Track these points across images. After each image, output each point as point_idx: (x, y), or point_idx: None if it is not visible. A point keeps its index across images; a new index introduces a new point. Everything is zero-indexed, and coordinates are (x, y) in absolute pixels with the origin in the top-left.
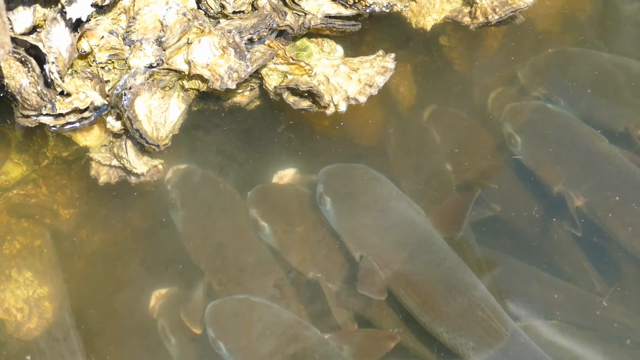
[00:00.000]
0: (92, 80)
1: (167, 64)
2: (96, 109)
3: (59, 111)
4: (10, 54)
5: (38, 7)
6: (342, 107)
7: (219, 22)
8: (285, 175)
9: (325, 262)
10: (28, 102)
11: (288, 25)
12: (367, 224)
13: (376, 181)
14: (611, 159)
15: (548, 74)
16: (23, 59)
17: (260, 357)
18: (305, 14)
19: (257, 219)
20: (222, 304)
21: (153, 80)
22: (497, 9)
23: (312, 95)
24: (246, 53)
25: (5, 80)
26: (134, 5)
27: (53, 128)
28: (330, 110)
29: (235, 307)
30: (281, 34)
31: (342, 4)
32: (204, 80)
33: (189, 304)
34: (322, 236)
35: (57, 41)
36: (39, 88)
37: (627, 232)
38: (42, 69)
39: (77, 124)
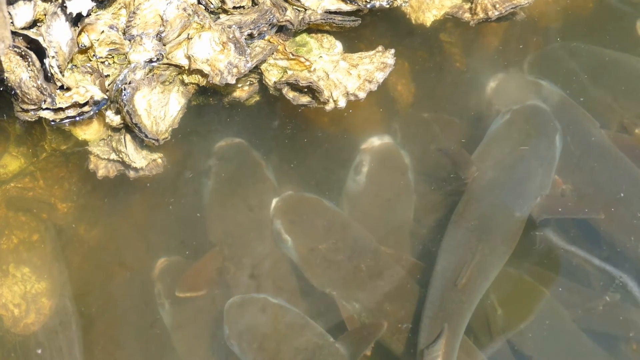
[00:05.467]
0: (92, 74)
1: (167, 58)
2: (96, 103)
3: (58, 105)
4: (10, 48)
5: (39, 1)
6: (342, 103)
7: (219, 17)
8: (378, 141)
9: (342, 283)
10: (28, 96)
11: (288, 21)
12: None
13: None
14: (605, 151)
15: (549, 67)
16: (23, 53)
17: None
18: (306, 10)
19: (280, 231)
20: (240, 303)
21: (153, 75)
22: (497, 5)
23: (311, 90)
24: (246, 48)
25: (5, 74)
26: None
27: (52, 122)
28: (329, 106)
29: (252, 307)
30: (281, 29)
31: (342, 0)
32: (203, 75)
33: (191, 268)
34: (343, 256)
35: (57, 35)
36: (38, 82)
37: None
38: (42, 63)
39: (77, 118)
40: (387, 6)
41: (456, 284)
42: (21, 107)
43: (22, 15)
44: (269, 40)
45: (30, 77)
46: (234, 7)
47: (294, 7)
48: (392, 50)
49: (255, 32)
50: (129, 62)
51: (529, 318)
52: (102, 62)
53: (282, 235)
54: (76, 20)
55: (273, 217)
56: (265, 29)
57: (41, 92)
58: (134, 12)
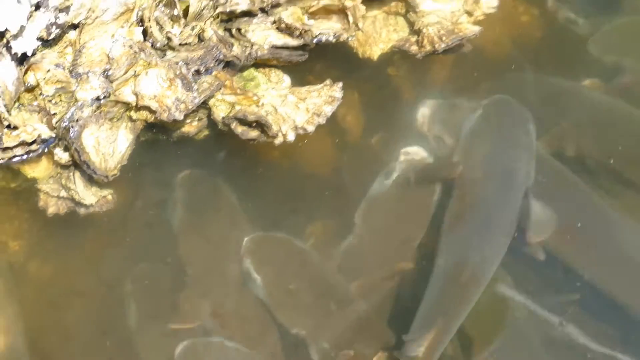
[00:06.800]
0: (39, 113)
1: (115, 95)
2: (43, 141)
3: (5, 145)
4: None
5: None
6: (291, 137)
7: (165, 54)
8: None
9: (312, 322)
10: None
11: (235, 56)
12: None
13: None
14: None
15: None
16: None
17: None
18: (252, 45)
19: (250, 270)
20: (193, 347)
21: (100, 112)
22: (443, 38)
23: (260, 125)
24: (193, 84)
25: None
26: (80, 38)
27: (0, 161)
28: (278, 140)
29: (206, 351)
30: (228, 64)
31: (289, 35)
32: (151, 111)
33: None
34: (313, 297)
35: (2, 75)
36: None
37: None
38: None
39: (25, 157)
40: (334, 40)
41: (461, 281)
42: None
43: None
44: (216, 76)
45: None
46: (181, 44)
47: (241, 42)
48: (340, 84)
49: (202, 69)
50: (76, 100)
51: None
52: (49, 101)
53: (252, 274)
54: (22, 59)
55: (243, 256)
56: (212, 65)
57: None
58: (79, 51)
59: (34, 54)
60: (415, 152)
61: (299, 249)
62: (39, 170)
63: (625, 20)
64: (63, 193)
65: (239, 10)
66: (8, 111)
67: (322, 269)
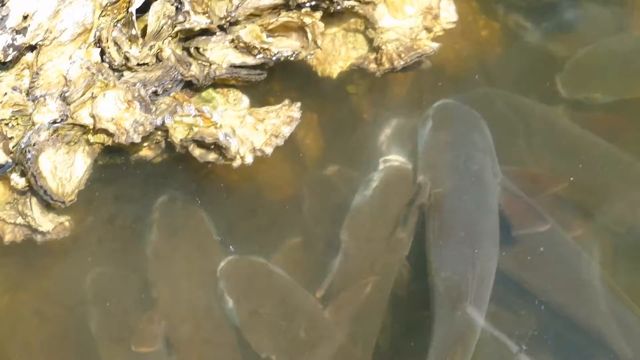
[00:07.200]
0: None
1: (72, 118)
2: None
3: None
4: None
5: None
6: (249, 159)
7: (123, 74)
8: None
9: (282, 348)
10: None
11: (193, 76)
12: None
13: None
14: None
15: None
16: None
17: None
18: (210, 64)
19: (223, 293)
20: None
21: (57, 136)
22: (402, 55)
23: (218, 147)
24: (151, 106)
25: None
26: (37, 60)
27: None
28: (237, 163)
29: None
30: (187, 85)
31: (248, 53)
32: (109, 134)
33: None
34: (284, 322)
35: None
36: None
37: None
38: None
39: None
40: (293, 58)
41: (467, 299)
42: None
43: None
44: (174, 97)
45: None
46: (138, 64)
47: (199, 61)
48: (298, 104)
49: (160, 90)
50: (33, 124)
51: None
52: (6, 124)
53: (225, 297)
54: None
55: (218, 279)
56: (170, 86)
57: None
58: (36, 73)
59: None
60: (394, 159)
61: (273, 272)
62: None
63: (589, 51)
64: (20, 220)
65: (197, 28)
66: None
67: (295, 294)
